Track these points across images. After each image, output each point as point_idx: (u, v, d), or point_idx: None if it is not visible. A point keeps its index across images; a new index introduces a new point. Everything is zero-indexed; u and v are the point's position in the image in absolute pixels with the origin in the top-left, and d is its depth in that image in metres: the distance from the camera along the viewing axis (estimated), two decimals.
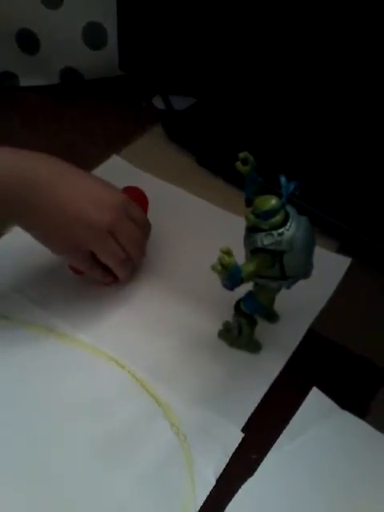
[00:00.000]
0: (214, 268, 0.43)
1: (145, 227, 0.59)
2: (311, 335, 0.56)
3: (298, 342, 0.56)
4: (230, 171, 0.68)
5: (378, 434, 0.50)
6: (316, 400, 0.52)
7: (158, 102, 0.81)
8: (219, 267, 0.43)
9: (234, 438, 0.49)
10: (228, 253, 0.43)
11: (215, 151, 0.72)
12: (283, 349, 0.55)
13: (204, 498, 0.46)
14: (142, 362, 0.54)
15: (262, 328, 0.55)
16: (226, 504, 0.46)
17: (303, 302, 0.57)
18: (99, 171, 0.71)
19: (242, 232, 0.48)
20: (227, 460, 0.48)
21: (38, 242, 0.54)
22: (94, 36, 0.78)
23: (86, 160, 0.73)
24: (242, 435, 0.50)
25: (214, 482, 0.47)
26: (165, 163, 0.73)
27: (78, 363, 0.54)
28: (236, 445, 0.49)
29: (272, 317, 0.57)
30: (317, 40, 0.58)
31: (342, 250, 0.64)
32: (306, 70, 0.61)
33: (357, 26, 0.55)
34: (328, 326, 0.57)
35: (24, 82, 0.83)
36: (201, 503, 0.46)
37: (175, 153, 0.75)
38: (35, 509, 0.45)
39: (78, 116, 0.80)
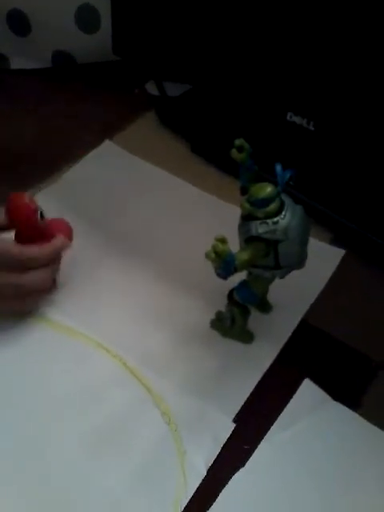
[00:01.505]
0: (207, 256, 0.43)
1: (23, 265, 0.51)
2: (304, 326, 0.56)
3: (290, 333, 0.55)
4: (224, 159, 0.67)
5: (369, 425, 0.49)
6: (308, 391, 0.51)
7: (151, 88, 0.80)
8: (213, 255, 0.43)
9: (225, 428, 0.49)
10: (222, 241, 0.43)
11: (209, 139, 0.71)
12: (276, 339, 0.55)
13: (195, 487, 0.46)
14: (133, 350, 0.53)
15: (255, 318, 0.54)
16: (218, 494, 0.45)
17: (296, 293, 0.56)
18: (92, 156, 0.71)
19: (236, 220, 0.48)
20: (218, 450, 0.48)
21: None
22: (86, 19, 0.76)
23: (77, 145, 0.72)
24: (234, 425, 0.49)
25: (205, 472, 0.47)
26: (158, 150, 0.72)
27: (67, 351, 0.53)
28: (227, 435, 0.49)
29: (265, 307, 0.56)
30: (314, 26, 0.57)
31: (335, 241, 0.63)
32: (302, 57, 0.60)
33: (355, 15, 0.55)
34: (321, 317, 0.57)
35: (15, 64, 0.81)
36: (192, 493, 0.45)
37: (168, 139, 0.74)
38: (27, 501, 0.45)
39: (70, 100, 0.78)
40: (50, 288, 0.54)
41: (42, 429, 0.48)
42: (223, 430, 0.49)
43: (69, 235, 0.55)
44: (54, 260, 0.53)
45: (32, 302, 0.54)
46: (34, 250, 0.51)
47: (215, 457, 0.47)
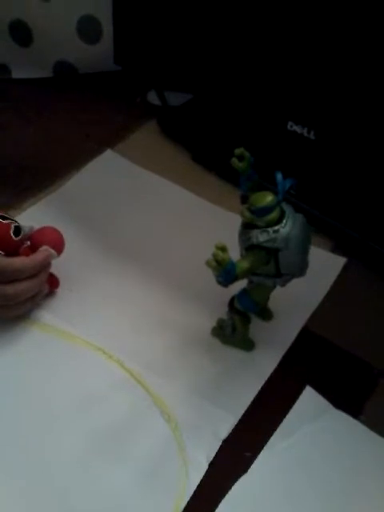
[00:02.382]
0: (208, 264, 0.43)
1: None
2: (305, 334, 0.56)
3: (291, 341, 0.55)
4: (224, 168, 0.68)
5: (371, 433, 0.50)
6: (310, 399, 0.51)
7: (152, 98, 0.80)
8: (214, 263, 0.43)
9: (225, 422, 0.50)
10: (223, 249, 0.43)
11: (210, 148, 0.72)
12: (277, 347, 0.55)
13: (197, 482, 0.46)
14: (132, 356, 0.54)
15: (256, 326, 0.55)
16: (219, 501, 0.45)
17: (297, 301, 0.57)
18: (93, 165, 0.71)
19: (236, 229, 0.48)
20: (219, 444, 0.48)
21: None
22: (88, 29, 0.77)
23: (78, 154, 0.72)
24: (234, 421, 0.50)
25: (206, 467, 0.47)
26: (159, 159, 0.73)
27: (65, 355, 0.54)
28: (227, 429, 0.49)
29: (266, 315, 0.57)
30: (314, 36, 0.58)
31: (336, 249, 0.64)
32: (303, 67, 0.60)
33: (354, 25, 0.55)
34: (322, 325, 0.57)
35: (17, 74, 0.82)
36: (194, 488, 0.46)
37: (170, 149, 0.74)
38: (30, 502, 0.45)
39: (72, 110, 0.79)
40: (36, 297, 0.55)
41: (44, 431, 0.49)
42: (223, 424, 0.49)
43: (55, 244, 0.55)
44: (38, 271, 0.53)
45: (16, 309, 0.54)
46: (16, 263, 0.52)
47: (216, 451, 0.48)
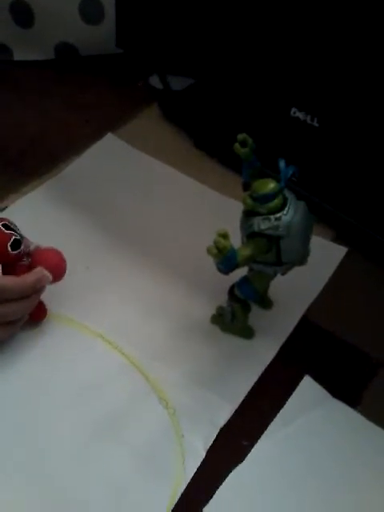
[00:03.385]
0: (209, 251, 0.43)
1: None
2: (305, 323, 0.56)
3: (291, 330, 0.55)
4: (226, 154, 0.67)
5: (368, 423, 0.49)
6: (308, 388, 0.51)
7: (155, 82, 0.79)
8: (215, 250, 0.42)
9: (223, 410, 0.50)
10: (224, 236, 0.42)
11: (212, 133, 0.71)
12: (276, 336, 0.55)
13: (194, 470, 0.46)
14: (132, 342, 0.54)
15: (256, 314, 0.54)
16: (216, 489, 0.45)
17: (297, 290, 0.56)
18: (94, 149, 0.70)
19: (238, 216, 0.47)
20: (217, 432, 0.48)
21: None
22: (90, 10, 0.76)
23: (79, 138, 0.72)
24: (232, 408, 0.50)
25: (203, 454, 0.47)
26: (160, 144, 0.72)
27: (64, 340, 0.54)
28: (225, 417, 0.49)
29: (266, 303, 0.56)
30: (318, 20, 0.57)
31: (338, 238, 0.63)
32: (306, 52, 0.60)
33: (358, 10, 0.54)
34: (322, 315, 0.56)
35: (18, 56, 0.81)
36: (191, 475, 0.46)
37: (171, 134, 0.73)
38: (29, 488, 0.45)
39: (73, 93, 0.78)
40: (17, 322, 0.51)
41: (42, 417, 0.49)
42: (220, 412, 0.49)
43: (54, 268, 0.50)
44: (28, 293, 0.49)
45: (3, 331, 0.50)
46: (5, 281, 0.48)
47: (213, 439, 0.48)
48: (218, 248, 0.42)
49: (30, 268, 0.50)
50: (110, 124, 0.74)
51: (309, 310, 0.57)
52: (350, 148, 0.61)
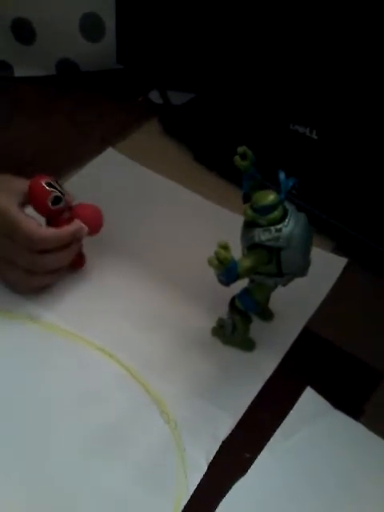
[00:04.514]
0: (210, 262, 0.43)
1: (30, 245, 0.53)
2: (306, 334, 0.56)
3: (292, 341, 0.55)
4: (226, 168, 0.68)
5: (371, 434, 0.49)
6: (310, 400, 0.51)
7: (155, 97, 0.80)
8: (215, 262, 0.43)
9: (224, 423, 0.49)
10: (225, 247, 0.43)
11: (212, 147, 0.71)
12: (277, 347, 0.55)
13: (196, 483, 0.46)
14: (132, 355, 0.53)
15: (257, 326, 0.54)
16: (218, 502, 0.45)
17: (298, 301, 0.56)
18: (94, 164, 0.71)
19: (238, 228, 0.48)
20: (219, 445, 0.48)
21: None
22: (91, 27, 0.77)
23: (80, 153, 0.72)
24: (234, 421, 0.49)
25: (205, 468, 0.47)
26: (161, 158, 0.72)
27: (63, 353, 0.53)
28: (227, 430, 0.49)
29: (267, 315, 0.56)
30: (316, 35, 0.58)
31: (338, 249, 0.63)
32: (305, 66, 0.60)
33: (356, 25, 0.55)
34: (323, 326, 0.56)
35: (19, 72, 0.81)
36: (193, 489, 0.46)
37: (172, 148, 0.74)
38: (28, 501, 0.45)
39: (74, 108, 0.78)
40: (59, 270, 0.56)
41: (42, 432, 0.48)
42: (222, 425, 0.49)
43: (91, 221, 0.56)
44: (65, 242, 0.54)
45: (41, 279, 0.56)
46: (44, 232, 0.53)
47: (215, 452, 0.48)
48: (218, 259, 0.42)
49: (70, 221, 0.55)
50: (111, 139, 0.74)
51: (310, 321, 0.57)
52: (350, 160, 0.61)
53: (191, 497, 0.45)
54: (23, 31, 0.78)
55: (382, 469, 0.48)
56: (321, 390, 0.52)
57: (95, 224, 0.57)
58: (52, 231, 0.54)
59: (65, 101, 0.79)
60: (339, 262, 0.62)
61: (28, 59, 0.81)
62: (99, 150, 0.72)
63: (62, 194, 0.55)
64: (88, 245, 0.58)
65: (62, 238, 0.54)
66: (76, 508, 0.45)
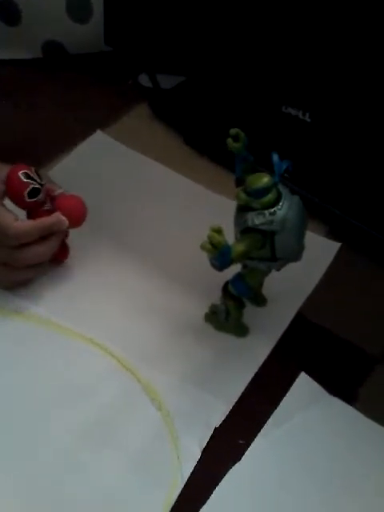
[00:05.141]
0: (203, 247, 0.42)
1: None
2: (299, 319, 0.55)
3: (285, 327, 0.55)
4: (217, 151, 0.67)
5: (366, 420, 0.49)
6: (304, 385, 0.51)
7: (144, 80, 0.79)
8: (209, 246, 0.42)
9: (218, 409, 0.49)
10: (218, 231, 0.42)
11: (203, 131, 0.70)
12: (271, 333, 0.54)
13: (190, 471, 0.46)
14: (122, 342, 0.53)
15: (250, 312, 0.54)
16: (213, 488, 0.45)
17: (291, 286, 0.56)
18: (83, 147, 0.70)
19: (230, 213, 0.47)
20: (211, 432, 0.48)
21: None
22: (78, 8, 0.75)
23: (68, 136, 0.71)
24: (227, 408, 0.49)
25: (199, 454, 0.47)
26: (151, 142, 0.71)
27: (51, 347, 0.53)
28: (220, 416, 0.49)
29: (260, 300, 0.56)
30: (309, 15, 0.57)
31: (331, 234, 0.63)
32: (297, 48, 0.59)
33: (348, 6, 0.54)
34: (316, 311, 0.56)
35: (4, 54, 0.79)
36: (187, 476, 0.45)
37: (161, 131, 0.73)
38: (22, 492, 0.44)
39: (61, 91, 0.77)
40: (40, 265, 0.54)
41: (34, 425, 0.48)
42: (215, 411, 0.49)
43: (71, 213, 0.54)
44: (46, 233, 0.52)
45: (21, 274, 0.54)
46: (21, 227, 0.51)
47: (208, 438, 0.47)
48: (212, 243, 0.42)
49: (51, 213, 0.53)
50: (100, 122, 0.73)
51: (303, 306, 0.56)
52: (343, 143, 0.60)
53: (186, 485, 0.45)
54: (8, 12, 0.76)
55: (377, 453, 0.48)
56: (315, 376, 0.51)
57: (77, 216, 0.55)
58: (28, 225, 0.52)
59: (52, 84, 0.78)
60: (332, 247, 0.62)
61: (13, 41, 0.79)
62: (88, 134, 0.71)
63: (40, 185, 0.53)
64: (73, 232, 0.57)
65: (39, 232, 0.52)
66: (70, 498, 0.44)
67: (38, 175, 0.53)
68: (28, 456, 0.46)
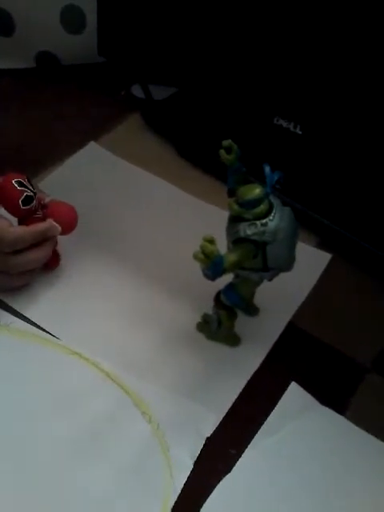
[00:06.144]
0: (195, 256, 0.42)
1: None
2: (291, 329, 0.56)
3: (277, 336, 0.55)
4: (209, 162, 0.68)
5: (356, 429, 0.49)
6: (295, 395, 0.51)
7: (137, 91, 0.79)
8: (201, 256, 0.42)
9: (209, 419, 0.49)
10: (211, 241, 0.42)
11: (195, 142, 0.71)
12: (262, 343, 0.55)
13: (183, 482, 0.46)
14: (111, 354, 0.53)
15: (242, 321, 0.54)
16: (205, 499, 0.45)
17: (283, 296, 0.56)
18: (76, 158, 0.70)
19: (222, 223, 0.47)
20: (203, 442, 0.48)
21: None
22: (72, 19, 0.76)
23: (61, 147, 0.71)
24: (218, 418, 0.49)
25: (191, 466, 0.46)
26: (143, 152, 0.72)
27: (37, 361, 0.52)
28: (211, 426, 0.49)
29: (251, 310, 0.56)
30: (300, 31, 0.58)
31: (322, 245, 0.63)
32: (289, 62, 0.60)
33: (338, 20, 0.55)
34: (308, 321, 0.56)
35: None
36: (180, 488, 0.45)
37: (154, 142, 0.73)
38: (13, 506, 0.44)
39: (54, 102, 0.77)
40: (34, 270, 0.55)
41: (22, 439, 0.47)
42: (205, 422, 0.49)
43: (63, 220, 0.55)
44: (38, 240, 0.53)
45: (18, 280, 0.55)
46: (17, 231, 0.52)
47: (200, 449, 0.47)
48: (204, 253, 0.42)
49: (43, 220, 0.55)
50: (93, 133, 0.73)
51: (295, 316, 0.57)
52: (333, 155, 0.61)
53: (179, 497, 0.45)
54: (2, 22, 0.76)
55: (367, 462, 0.48)
56: (306, 385, 0.51)
57: (68, 223, 0.56)
58: (21, 230, 0.53)
59: (46, 94, 0.78)
60: (323, 257, 0.62)
61: (7, 51, 0.79)
62: (81, 145, 0.71)
63: (33, 192, 0.54)
64: (65, 241, 0.57)
65: (33, 237, 0.53)
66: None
67: (30, 183, 0.54)
68: (17, 471, 0.45)
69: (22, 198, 0.53)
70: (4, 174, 0.54)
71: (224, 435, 0.48)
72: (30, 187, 0.54)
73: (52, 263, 0.58)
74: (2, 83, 0.79)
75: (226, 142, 0.47)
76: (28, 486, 0.45)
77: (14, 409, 0.49)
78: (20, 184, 0.53)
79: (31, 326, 0.54)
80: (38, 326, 0.54)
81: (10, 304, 0.55)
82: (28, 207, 0.53)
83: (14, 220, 0.54)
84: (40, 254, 0.54)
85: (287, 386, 0.51)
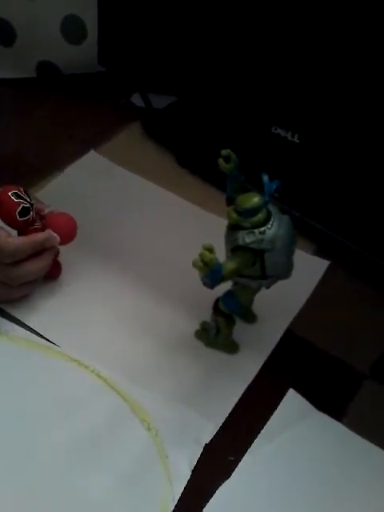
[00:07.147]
0: (195, 264, 0.43)
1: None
2: (289, 336, 0.56)
3: (275, 343, 0.55)
4: (209, 171, 0.68)
5: (354, 436, 0.49)
6: (293, 402, 0.51)
7: (136, 100, 0.80)
8: (200, 264, 0.42)
9: (207, 427, 0.49)
10: (210, 249, 0.42)
11: (194, 151, 0.71)
12: (260, 350, 0.55)
13: (181, 490, 0.46)
14: (110, 361, 0.53)
15: (240, 328, 0.54)
16: (203, 506, 0.45)
17: (281, 304, 0.57)
18: (76, 166, 0.70)
19: (221, 231, 0.48)
20: (201, 450, 0.48)
21: None
22: (72, 29, 0.76)
23: (61, 156, 0.71)
24: (217, 425, 0.49)
25: (189, 473, 0.46)
26: (143, 161, 0.72)
27: (36, 368, 0.52)
28: (209, 433, 0.49)
29: (250, 317, 0.56)
30: (298, 41, 0.58)
31: (320, 252, 0.64)
32: (287, 72, 0.61)
33: (336, 30, 0.55)
34: (305, 328, 0.57)
35: None
36: (178, 496, 0.45)
37: (154, 151, 0.74)
38: None
39: (55, 110, 0.78)
40: (35, 281, 0.55)
41: (21, 446, 0.47)
42: (204, 430, 0.49)
43: (61, 230, 0.55)
44: (36, 250, 0.53)
45: (19, 291, 0.55)
46: (16, 241, 0.52)
47: (198, 457, 0.47)
48: (203, 261, 0.42)
49: (42, 231, 0.55)
50: (93, 141, 0.74)
51: (292, 323, 0.57)
52: (331, 163, 0.61)
53: (177, 505, 0.45)
54: (3, 32, 0.77)
55: (365, 469, 0.48)
56: (304, 392, 0.52)
57: (67, 233, 0.56)
58: (20, 240, 0.53)
59: (46, 103, 0.79)
60: (321, 264, 0.63)
61: (7, 61, 0.80)
62: (81, 153, 0.72)
63: (30, 204, 0.54)
64: (65, 251, 0.58)
65: (32, 247, 0.53)
66: None
67: (27, 194, 0.54)
68: (15, 478, 0.45)
69: (19, 209, 0.53)
70: (1, 186, 0.54)
71: (222, 442, 0.49)
72: (27, 198, 0.54)
73: (53, 273, 0.58)
74: (3, 92, 0.80)
75: (224, 151, 0.47)
76: (27, 491, 0.45)
77: (14, 415, 0.49)
78: (17, 196, 0.53)
79: (31, 334, 0.54)
80: (38, 334, 0.54)
81: (10, 312, 0.55)
82: (25, 218, 0.54)
83: (14, 232, 0.54)
84: (40, 265, 0.54)
85: (285, 392, 0.52)
